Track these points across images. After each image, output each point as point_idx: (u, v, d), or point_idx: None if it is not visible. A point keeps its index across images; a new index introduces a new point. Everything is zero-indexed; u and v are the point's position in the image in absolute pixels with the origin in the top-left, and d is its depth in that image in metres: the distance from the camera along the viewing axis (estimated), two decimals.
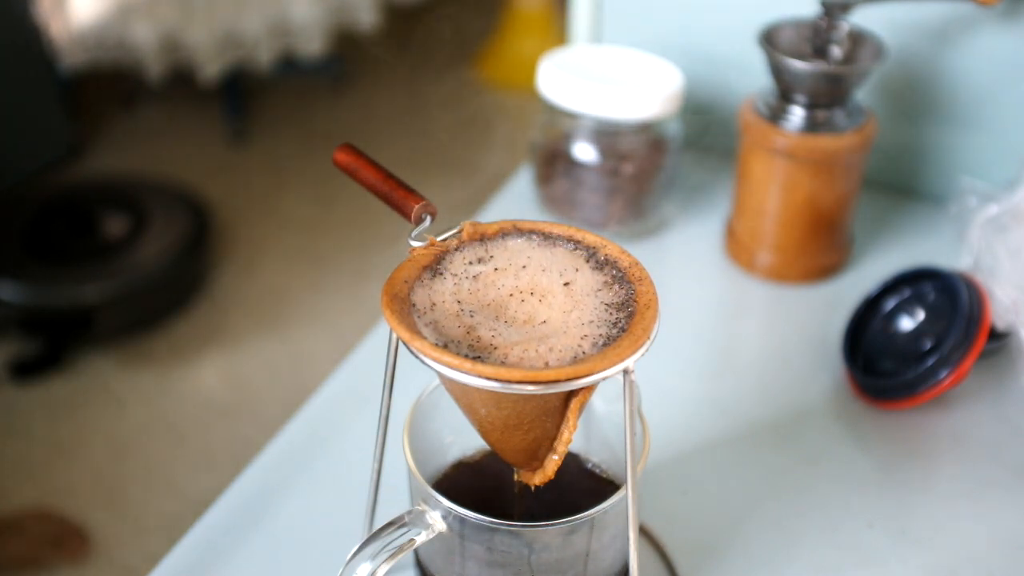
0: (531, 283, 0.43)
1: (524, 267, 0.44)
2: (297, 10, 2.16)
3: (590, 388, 0.41)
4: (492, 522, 0.42)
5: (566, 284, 0.43)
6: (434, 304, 0.42)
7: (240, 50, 2.14)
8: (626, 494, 0.42)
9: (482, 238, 0.45)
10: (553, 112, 0.80)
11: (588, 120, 0.78)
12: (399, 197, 0.43)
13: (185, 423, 1.62)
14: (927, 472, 0.62)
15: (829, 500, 0.59)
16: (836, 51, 0.72)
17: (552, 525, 0.42)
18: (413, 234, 0.43)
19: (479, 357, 0.39)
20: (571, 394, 0.41)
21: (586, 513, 0.43)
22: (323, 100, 2.51)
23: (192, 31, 2.07)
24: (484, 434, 0.44)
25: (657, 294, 0.42)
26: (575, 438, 0.45)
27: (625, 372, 0.40)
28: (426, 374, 0.45)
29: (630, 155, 0.79)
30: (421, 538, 0.43)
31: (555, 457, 0.43)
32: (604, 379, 0.39)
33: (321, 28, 2.19)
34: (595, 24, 0.93)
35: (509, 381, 0.37)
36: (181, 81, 2.25)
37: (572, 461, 0.52)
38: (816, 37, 0.72)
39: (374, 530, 0.44)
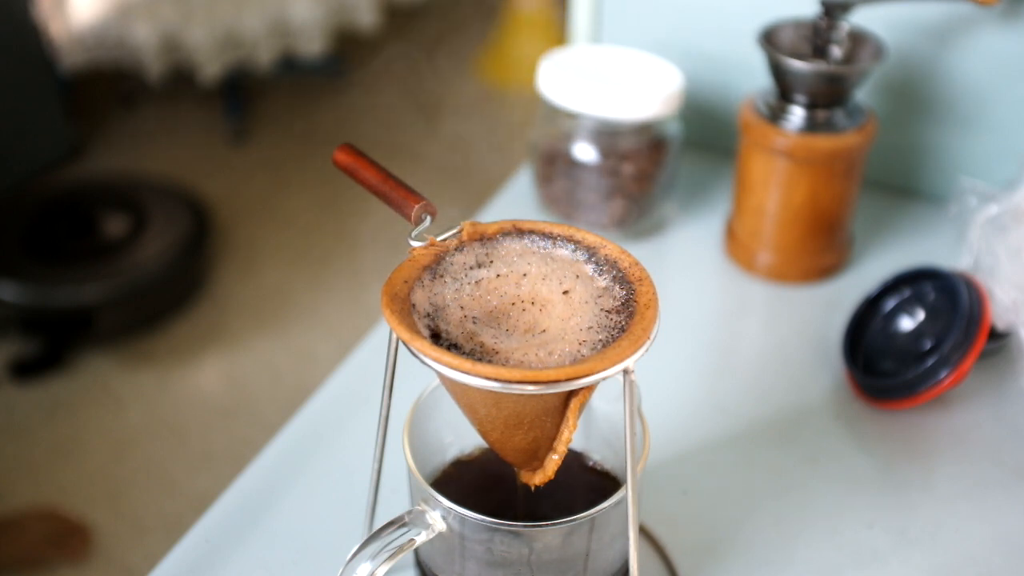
0: (532, 292, 0.43)
1: (525, 275, 0.43)
2: (297, 10, 2.16)
3: (590, 388, 0.41)
4: (492, 522, 0.42)
5: (565, 292, 0.43)
6: (436, 308, 0.42)
7: (240, 50, 2.14)
8: (626, 494, 0.42)
9: (482, 238, 0.45)
10: (553, 112, 0.80)
11: (588, 120, 0.78)
12: (399, 197, 0.43)
13: (185, 423, 1.62)
14: (927, 472, 0.62)
15: (829, 500, 0.59)
16: (836, 51, 0.72)
17: (552, 525, 0.42)
18: (413, 234, 0.43)
19: (480, 358, 0.39)
20: (571, 394, 0.41)
21: (586, 513, 0.43)
22: (323, 100, 2.51)
23: (192, 31, 2.07)
24: (484, 434, 0.44)
25: (657, 294, 0.42)
26: (575, 437, 0.45)
27: (625, 372, 0.40)
28: (426, 374, 0.45)
29: (630, 155, 0.78)
30: (421, 538, 0.43)
31: (555, 457, 0.43)
32: (604, 379, 0.39)
33: (321, 28, 2.19)
34: (595, 24, 0.93)
35: (509, 381, 0.37)
36: (181, 81, 2.25)
37: (572, 460, 0.52)
38: (816, 37, 0.72)
39: (374, 530, 0.44)
